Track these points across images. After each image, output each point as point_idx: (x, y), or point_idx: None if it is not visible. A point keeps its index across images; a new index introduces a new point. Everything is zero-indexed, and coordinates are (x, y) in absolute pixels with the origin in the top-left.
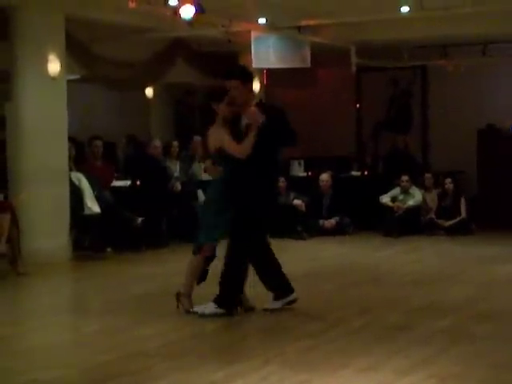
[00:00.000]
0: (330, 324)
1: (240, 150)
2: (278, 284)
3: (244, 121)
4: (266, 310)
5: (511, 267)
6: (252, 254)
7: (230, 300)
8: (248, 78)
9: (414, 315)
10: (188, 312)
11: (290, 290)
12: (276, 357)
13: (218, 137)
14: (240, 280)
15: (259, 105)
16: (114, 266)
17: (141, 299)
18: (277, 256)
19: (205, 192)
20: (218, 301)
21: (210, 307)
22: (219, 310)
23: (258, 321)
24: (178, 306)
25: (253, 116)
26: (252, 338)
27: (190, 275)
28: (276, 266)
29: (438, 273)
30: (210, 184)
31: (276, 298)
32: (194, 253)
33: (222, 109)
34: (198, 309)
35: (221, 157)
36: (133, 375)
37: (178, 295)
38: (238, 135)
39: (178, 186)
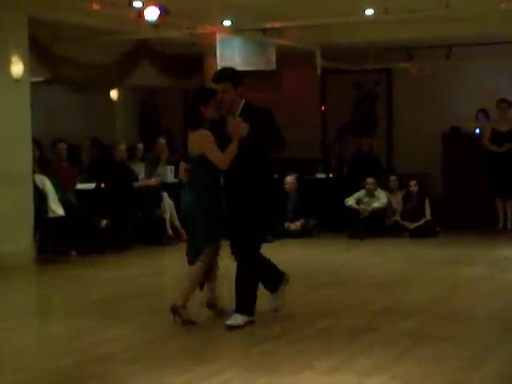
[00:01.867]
0: (293, 326)
1: (220, 160)
2: (274, 278)
3: (230, 126)
4: (276, 311)
5: (474, 269)
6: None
7: (253, 305)
8: (238, 81)
9: (377, 317)
10: (188, 322)
11: (282, 276)
12: (239, 360)
13: (205, 140)
14: (258, 281)
15: (248, 107)
16: (78, 269)
17: (105, 302)
18: None
19: (171, 195)
20: (243, 309)
21: (237, 318)
22: (249, 318)
23: (220, 324)
24: (174, 320)
25: (235, 127)
26: (215, 341)
27: (189, 285)
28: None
29: (402, 275)
30: (190, 188)
31: (273, 291)
32: (191, 262)
33: (209, 112)
34: (228, 322)
35: (203, 160)
36: (96, 379)
37: (175, 308)
38: (222, 141)
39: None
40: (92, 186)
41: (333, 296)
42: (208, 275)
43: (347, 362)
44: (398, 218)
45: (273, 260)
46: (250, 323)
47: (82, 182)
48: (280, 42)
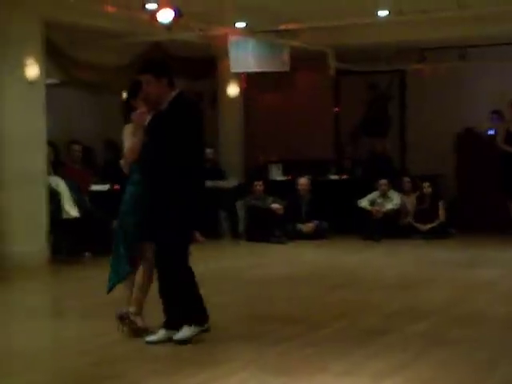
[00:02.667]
0: (308, 328)
1: (126, 152)
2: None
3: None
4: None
5: (488, 271)
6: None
7: (200, 312)
8: (161, 72)
9: (391, 319)
10: (136, 332)
11: (204, 319)
12: (254, 361)
13: (124, 134)
14: (195, 287)
15: (178, 100)
16: (93, 270)
17: (119, 303)
18: (256, 260)
19: None
20: (187, 320)
21: (186, 331)
22: (196, 329)
23: (236, 325)
24: (122, 330)
25: (135, 117)
26: (231, 342)
27: (137, 290)
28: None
29: (416, 277)
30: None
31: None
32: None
33: (139, 105)
34: (176, 337)
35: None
36: (112, 379)
37: (124, 316)
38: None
39: None
40: (106, 187)
41: (347, 298)
42: (129, 286)
43: (361, 364)
44: (411, 219)
45: (286, 261)
46: (202, 332)
47: (96, 183)
48: (293, 44)
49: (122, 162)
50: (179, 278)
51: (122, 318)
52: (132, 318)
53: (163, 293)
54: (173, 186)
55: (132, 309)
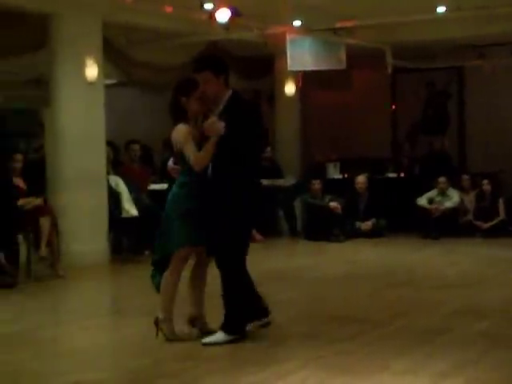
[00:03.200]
0: (367, 327)
1: (194, 160)
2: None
3: (205, 124)
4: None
5: None
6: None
7: (240, 322)
8: (221, 69)
9: (451, 318)
10: (171, 340)
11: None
12: (313, 360)
13: (180, 135)
14: (245, 295)
15: (235, 99)
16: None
17: (179, 301)
18: (314, 259)
19: None
20: (227, 328)
21: (218, 336)
22: (230, 337)
23: (295, 324)
24: (157, 334)
25: (210, 128)
26: (290, 341)
27: (163, 297)
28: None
29: (476, 275)
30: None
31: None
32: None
33: (192, 105)
34: (206, 340)
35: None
36: (172, 377)
37: (157, 322)
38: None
39: None
40: (165, 186)
41: (406, 296)
42: (193, 287)
43: (422, 363)
44: (470, 217)
45: (344, 259)
46: (232, 342)
47: (155, 182)
48: (350, 42)
49: (171, 164)
50: (233, 281)
51: (155, 324)
52: (160, 324)
53: (223, 295)
54: (232, 187)
55: (160, 315)
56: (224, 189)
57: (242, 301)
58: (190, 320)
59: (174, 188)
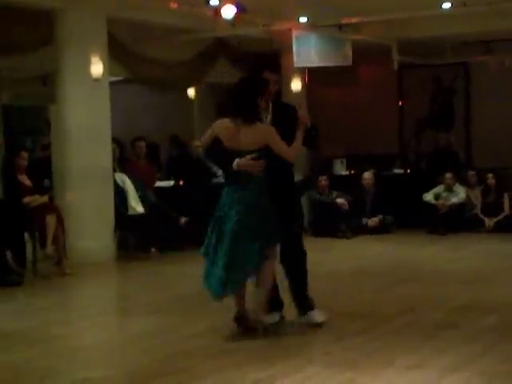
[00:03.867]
0: (374, 322)
1: (289, 153)
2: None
3: (268, 117)
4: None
5: None
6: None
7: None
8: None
9: (458, 313)
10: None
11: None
12: (320, 356)
13: (272, 134)
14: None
15: (276, 101)
16: (159, 266)
17: (185, 299)
18: (321, 255)
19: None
20: (309, 307)
21: (320, 314)
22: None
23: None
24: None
25: (304, 119)
26: (295, 338)
27: (263, 289)
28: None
29: (482, 270)
30: (249, 184)
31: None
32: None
33: (262, 103)
34: (318, 319)
35: (262, 154)
36: (179, 374)
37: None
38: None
39: None
40: (171, 183)
41: (413, 292)
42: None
43: (429, 358)
44: (477, 212)
45: (351, 256)
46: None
47: (161, 179)
48: (356, 38)
49: (247, 161)
50: (303, 266)
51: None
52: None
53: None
54: (289, 181)
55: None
56: (285, 183)
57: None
58: (238, 318)
59: (257, 185)
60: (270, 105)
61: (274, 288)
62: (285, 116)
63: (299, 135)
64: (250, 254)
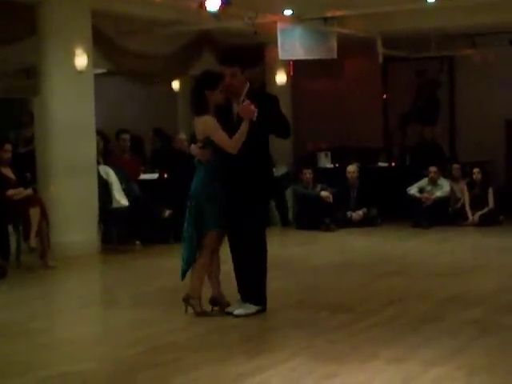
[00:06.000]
0: (358, 315)
1: (229, 144)
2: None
3: (235, 110)
4: (228, 313)
5: None
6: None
7: (264, 294)
8: (248, 65)
9: (442, 306)
10: (201, 314)
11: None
12: (304, 349)
13: (209, 126)
14: (265, 271)
15: (254, 92)
16: (143, 259)
17: (169, 292)
18: (305, 248)
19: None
20: (252, 298)
21: (248, 307)
22: (257, 308)
23: (285, 313)
24: (186, 310)
25: (245, 110)
26: (280, 331)
27: (195, 275)
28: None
29: (466, 263)
30: (199, 171)
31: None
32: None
33: (216, 96)
34: (234, 311)
35: (210, 142)
36: (163, 367)
37: (187, 299)
38: (229, 125)
39: None
40: (155, 176)
41: (397, 285)
42: (210, 271)
43: (413, 351)
44: (463, 205)
45: (335, 249)
46: (259, 312)
47: (145, 172)
48: (341, 31)
49: (196, 148)
50: (260, 255)
51: (185, 301)
52: (191, 301)
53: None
54: (257, 170)
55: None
56: (251, 172)
57: (265, 274)
58: (212, 300)
59: (201, 174)
60: (246, 93)
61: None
62: (263, 107)
63: (243, 127)
64: (190, 240)
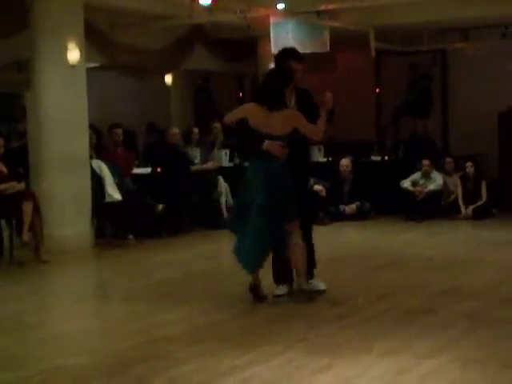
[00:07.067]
0: (351, 309)
1: (318, 132)
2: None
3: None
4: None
5: None
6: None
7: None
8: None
9: (435, 299)
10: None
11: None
12: (298, 342)
13: (297, 117)
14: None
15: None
16: (136, 253)
17: (163, 285)
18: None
19: (226, 178)
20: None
21: (319, 284)
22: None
23: (279, 306)
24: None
25: (328, 100)
26: (274, 324)
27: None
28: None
29: (459, 257)
30: (277, 164)
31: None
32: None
33: (287, 92)
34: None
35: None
36: (156, 360)
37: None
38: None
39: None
40: (148, 170)
41: (390, 278)
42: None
43: (406, 344)
44: (456, 199)
45: (329, 242)
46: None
47: (138, 166)
48: (334, 24)
49: (276, 145)
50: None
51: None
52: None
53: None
54: (306, 162)
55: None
56: (301, 162)
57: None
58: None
59: (283, 166)
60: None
61: (289, 261)
62: (305, 100)
63: (323, 115)
64: (276, 228)
